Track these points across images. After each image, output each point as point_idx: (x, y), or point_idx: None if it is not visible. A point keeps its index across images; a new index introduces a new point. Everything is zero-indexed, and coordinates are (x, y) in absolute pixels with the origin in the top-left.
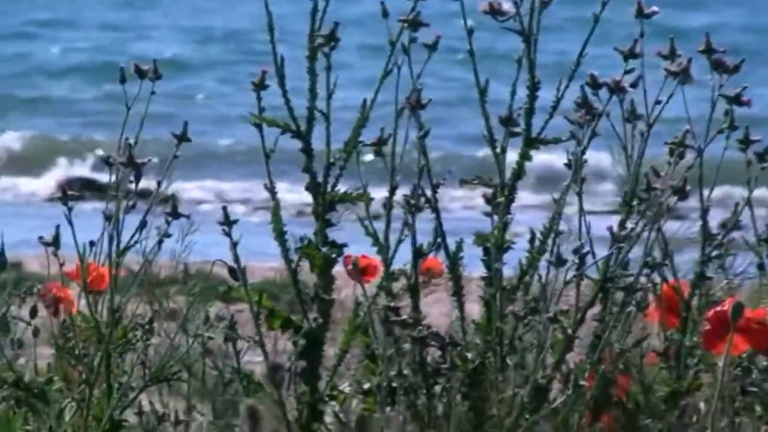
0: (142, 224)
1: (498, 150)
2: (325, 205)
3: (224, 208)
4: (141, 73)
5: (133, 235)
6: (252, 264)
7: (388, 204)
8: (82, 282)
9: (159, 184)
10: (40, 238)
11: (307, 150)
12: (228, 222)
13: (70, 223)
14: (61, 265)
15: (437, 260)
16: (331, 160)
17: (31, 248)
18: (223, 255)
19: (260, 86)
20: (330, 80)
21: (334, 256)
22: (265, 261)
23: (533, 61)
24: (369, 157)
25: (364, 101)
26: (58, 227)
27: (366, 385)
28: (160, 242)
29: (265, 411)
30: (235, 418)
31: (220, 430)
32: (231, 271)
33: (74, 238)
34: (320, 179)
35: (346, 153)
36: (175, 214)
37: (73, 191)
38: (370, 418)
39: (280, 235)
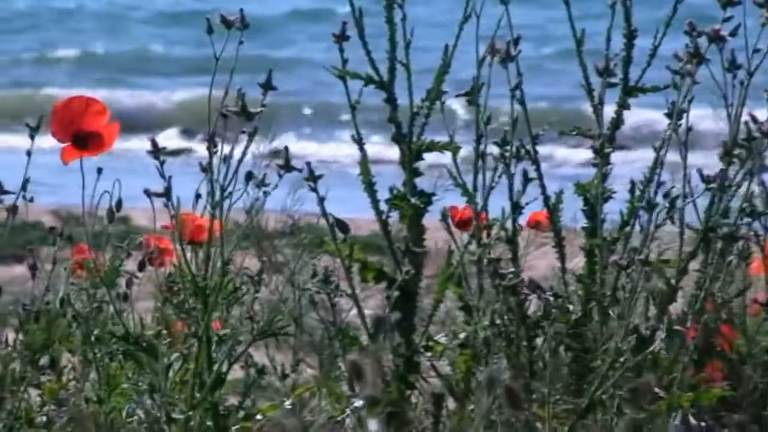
0: (248, 176)
1: (596, 101)
2: (411, 155)
3: (308, 164)
4: (227, 24)
5: (227, 185)
6: (361, 217)
7: (476, 153)
8: (177, 234)
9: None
10: (147, 190)
11: (391, 100)
12: (313, 177)
13: (162, 176)
14: (173, 217)
15: (544, 213)
16: (415, 109)
17: (142, 203)
18: (334, 209)
19: (341, 38)
20: (407, 30)
21: (422, 206)
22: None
23: (629, 8)
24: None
25: (446, 47)
26: (169, 178)
27: (461, 336)
28: (265, 194)
29: (368, 365)
30: (341, 372)
31: (326, 384)
32: (337, 223)
33: (167, 189)
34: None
35: (429, 101)
36: (287, 168)
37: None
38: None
39: (369, 187)
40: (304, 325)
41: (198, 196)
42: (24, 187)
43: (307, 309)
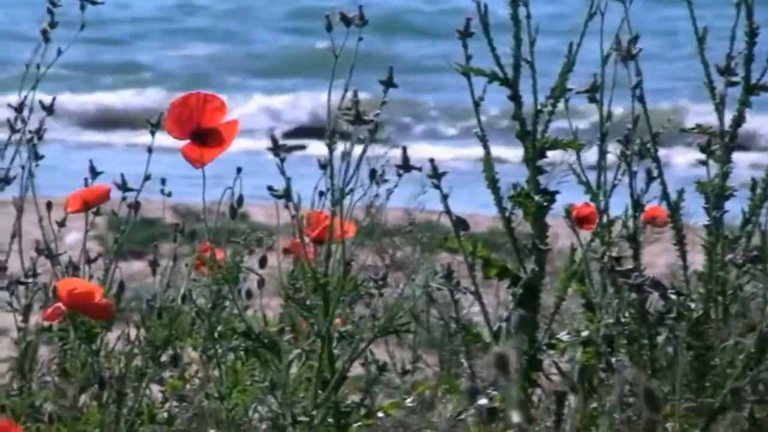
0: (372, 173)
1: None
2: (535, 152)
3: (431, 161)
4: (347, 21)
5: (347, 183)
6: (480, 213)
7: (599, 151)
8: (300, 232)
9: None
10: (270, 188)
11: (515, 97)
12: (436, 174)
13: (283, 173)
14: (293, 216)
15: (661, 209)
16: (538, 107)
17: (260, 199)
18: (451, 207)
19: (465, 34)
20: (531, 28)
21: (546, 203)
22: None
23: (751, 6)
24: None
25: (570, 45)
26: (289, 179)
27: (584, 334)
28: (389, 193)
29: (512, 356)
30: (460, 368)
31: (446, 381)
32: (457, 221)
33: (287, 189)
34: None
35: (553, 99)
36: (406, 167)
37: (296, 139)
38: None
39: (493, 184)
40: (423, 323)
41: (321, 193)
42: (145, 181)
43: (427, 306)
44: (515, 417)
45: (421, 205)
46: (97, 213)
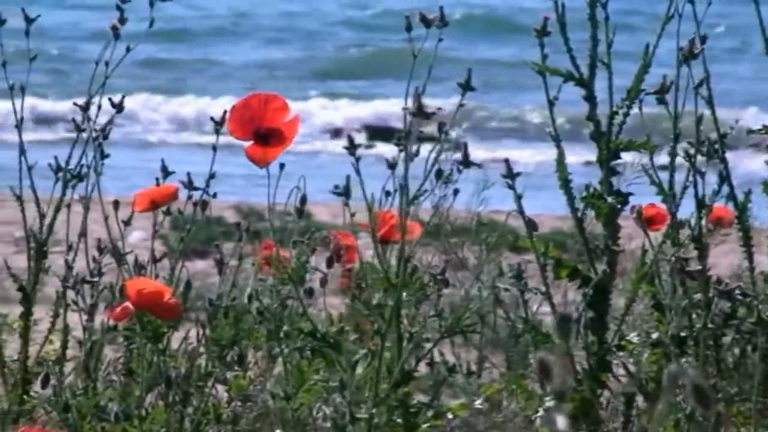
0: (438, 173)
1: None
2: (609, 154)
3: (506, 161)
4: (426, 22)
5: (422, 185)
6: (544, 213)
7: (671, 152)
8: (371, 231)
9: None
10: (336, 188)
11: (590, 98)
12: (511, 175)
13: (358, 173)
14: (352, 215)
15: (727, 209)
16: (614, 108)
17: (321, 197)
18: (532, 207)
19: (542, 33)
20: (609, 29)
21: (619, 205)
22: (555, 210)
23: None
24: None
25: (646, 47)
26: (348, 178)
27: (654, 335)
28: (455, 192)
29: (556, 362)
30: (527, 369)
31: (514, 381)
32: (529, 222)
33: (362, 189)
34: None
35: (628, 100)
36: (466, 163)
37: (361, 139)
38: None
39: (566, 184)
40: (489, 323)
41: (387, 193)
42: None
43: (494, 306)
44: (560, 423)
45: (483, 204)
46: (167, 212)
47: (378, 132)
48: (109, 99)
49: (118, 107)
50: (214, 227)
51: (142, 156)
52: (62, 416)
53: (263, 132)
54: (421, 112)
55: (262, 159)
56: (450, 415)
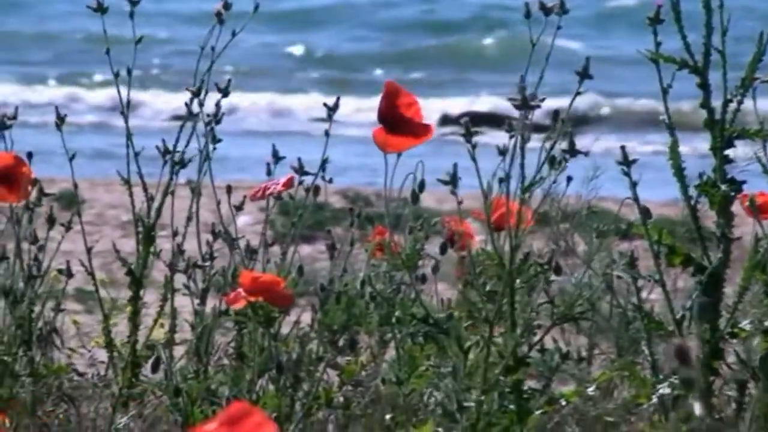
0: (551, 159)
1: None
2: (723, 142)
3: (622, 148)
4: (546, 10)
5: (537, 172)
6: (648, 201)
7: None
8: (486, 218)
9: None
10: (445, 176)
11: (704, 85)
12: (627, 162)
13: (474, 160)
14: (459, 203)
15: None
16: (728, 96)
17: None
18: (627, 192)
19: (656, 21)
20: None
21: (733, 193)
22: (661, 197)
23: None
24: None
25: (761, 34)
26: (455, 166)
27: (766, 323)
28: (568, 179)
29: (692, 348)
30: (637, 356)
31: (629, 369)
32: (644, 209)
33: (478, 176)
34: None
35: (743, 88)
36: (572, 152)
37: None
38: None
39: (679, 172)
40: (600, 310)
41: (501, 180)
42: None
43: (606, 294)
44: (697, 408)
45: (594, 191)
46: (278, 197)
47: (482, 119)
48: (216, 85)
49: (224, 92)
50: (321, 212)
51: (240, 142)
52: (173, 400)
53: (393, 121)
54: (525, 104)
55: (387, 146)
56: (562, 402)
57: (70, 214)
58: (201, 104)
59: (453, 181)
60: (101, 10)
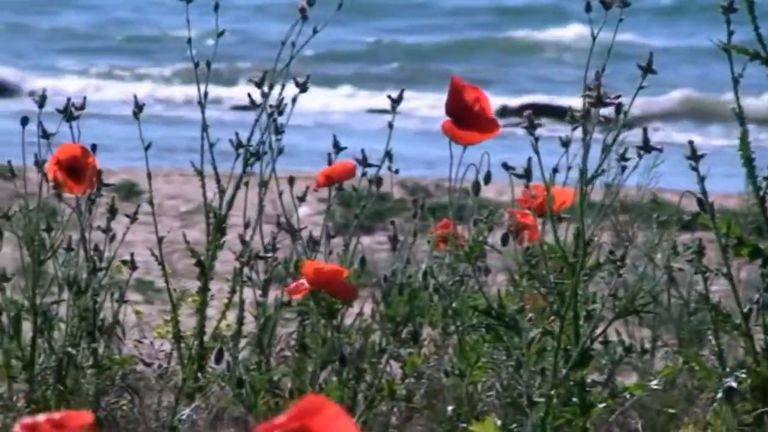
0: (607, 149)
1: None
2: None
3: (690, 143)
4: (606, 4)
5: (600, 164)
6: (710, 192)
7: None
8: (548, 210)
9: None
10: (506, 165)
11: None
12: (695, 156)
13: (537, 152)
14: (532, 197)
15: None
16: None
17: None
18: (686, 183)
19: (729, 10)
20: None
21: None
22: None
23: None
24: None
25: None
26: (529, 160)
27: None
28: (623, 170)
29: None
30: (701, 348)
31: (695, 360)
32: (700, 202)
33: (540, 167)
34: None
35: None
36: (647, 148)
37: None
38: None
39: (749, 163)
40: (662, 302)
41: (554, 170)
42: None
43: (668, 286)
44: None
45: (654, 181)
46: (340, 188)
47: (542, 110)
48: (294, 79)
49: (302, 87)
50: (381, 203)
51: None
52: (236, 392)
53: (463, 114)
54: (600, 102)
55: (458, 138)
56: (625, 394)
57: (129, 204)
58: (265, 95)
59: (527, 174)
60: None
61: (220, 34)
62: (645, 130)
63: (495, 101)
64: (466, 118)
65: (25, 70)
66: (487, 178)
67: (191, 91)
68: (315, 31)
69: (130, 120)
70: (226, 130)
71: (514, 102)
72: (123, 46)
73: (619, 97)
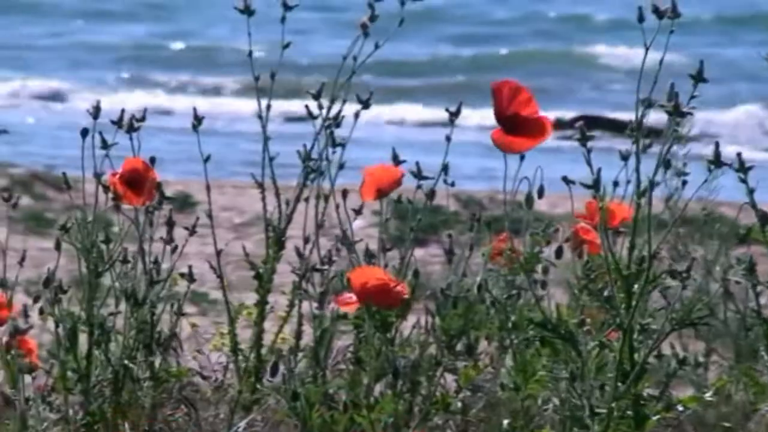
0: (666, 163)
1: None
2: None
3: (738, 155)
4: (659, 13)
5: (654, 175)
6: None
7: None
8: (602, 223)
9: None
10: (566, 179)
11: None
12: (743, 168)
13: (589, 164)
14: (600, 208)
15: None
16: None
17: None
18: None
19: None
20: None
21: None
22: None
23: None
24: None
25: None
26: (599, 170)
27: None
28: (683, 183)
29: None
30: (756, 362)
31: (749, 374)
32: (763, 215)
33: (596, 182)
34: None
35: None
36: (717, 163)
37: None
38: None
39: None
40: (719, 315)
41: (616, 183)
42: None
43: (724, 299)
44: None
45: (714, 194)
46: (398, 200)
47: (596, 123)
48: (357, 96)
49: (365, 104)
50: (434, 215)
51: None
52: (291, 404)
53: (513, 121)
54: (678, 111)
55: (508, 147)
56: (680, 407)
57: (183, 216)
58: (321, 107)
59: (596, 185)
60: (248, 12)
61: (286, 46)
62: (717, 144)
63: (551, 114)
64: (517, 124)
65: (79, 81)
66: (540, 192)
67: (241, 104)
68: (377, 46)
69: (178, 131)
70: (281, 143)
71: (570, 115)
72: (177, 57)
73: (694, 108)
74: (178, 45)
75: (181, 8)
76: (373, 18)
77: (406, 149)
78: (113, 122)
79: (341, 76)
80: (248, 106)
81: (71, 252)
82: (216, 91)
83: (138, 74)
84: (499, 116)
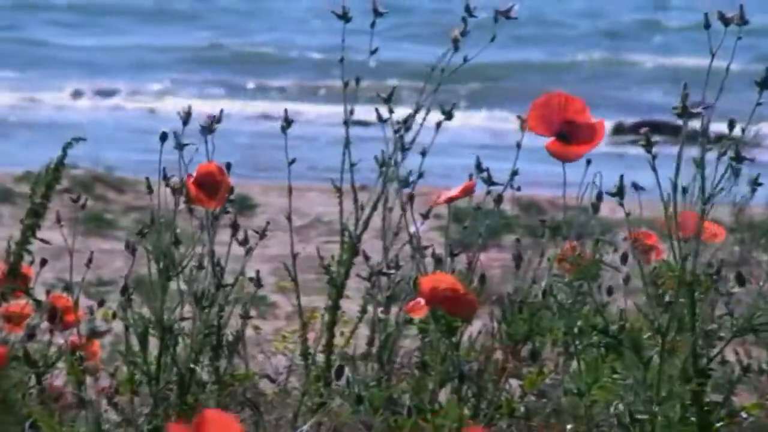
0: (736, 171)
1: None
2: None
3: None
4: (725, 21)
5: (719, 182)
6: None
7: None
8: (668, 228)
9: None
10: (636, 185)
11: None
12: None
13: (654, 170)
14: (627, 214)
15: None
16: None
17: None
18: None
19: None
20: None
21: None
22: None
23: None
24: None
25: None
26: (621, 177)
27: None
28: (753, 190)
29: None
30: None
31: None
32: None
33: (658, 186)
34: None
35: None
36: (738, 159)
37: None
38: None
39: None
40: None
41: (684, 190)
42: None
43: None
44: None
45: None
46: (477, 208)
47: (658, 128)
48: (441, 107)
49: (448, 115)
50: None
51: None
52: (354, 408)
53: (567, 129)
54: (686, 112)
55: (564, 156)
56: (743, 414)
57: (243, 218)
58: (391, 111)
59: (620, 192)
60: (345, 18)
61: (374, 51)
62: (736, 143)
63: (609, 121)
64: (571, 132)
65: (135, 83)
66: (599, 198)
67: (298, 107)
68: (465, 60)
69: (240, 134)
70: (337, 146)
71: (630, 120)
72: (236, 60)
73: (706, 107)
74: (233, 47)
75: (235, 11)
76: (464, 33)
77: (462, 152)
78: (202, 127)
79: (428, 84)
80: (306, 108)
81: (126, 254)
82: (274, 94)
83: (189, 78)
84: (552, 128)
